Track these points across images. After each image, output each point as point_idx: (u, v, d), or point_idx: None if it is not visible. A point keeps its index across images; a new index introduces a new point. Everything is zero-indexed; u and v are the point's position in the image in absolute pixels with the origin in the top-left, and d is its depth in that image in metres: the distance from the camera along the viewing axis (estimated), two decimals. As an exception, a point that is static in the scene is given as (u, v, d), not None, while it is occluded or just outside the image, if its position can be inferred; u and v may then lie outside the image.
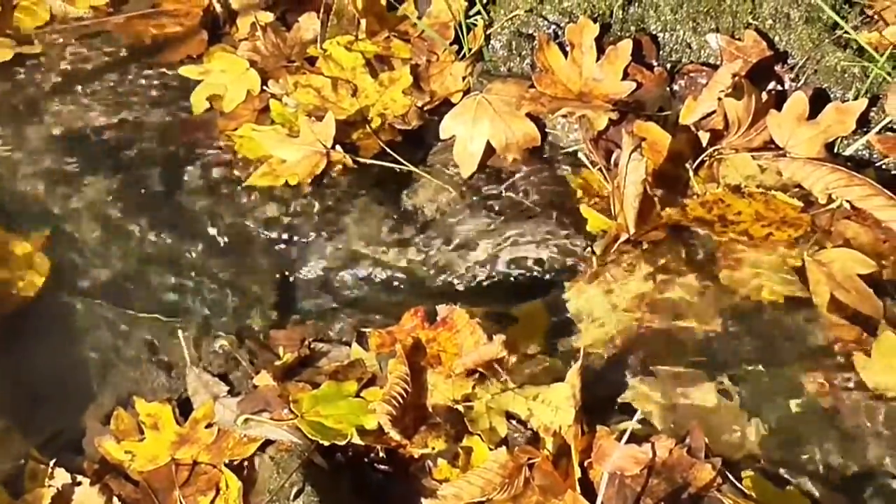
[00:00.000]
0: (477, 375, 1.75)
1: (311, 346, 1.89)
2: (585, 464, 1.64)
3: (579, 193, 2.05)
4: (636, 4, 2.20)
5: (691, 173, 2.01)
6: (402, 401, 1.70)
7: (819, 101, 2.05)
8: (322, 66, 2.31)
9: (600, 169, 2.04)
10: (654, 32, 2.21)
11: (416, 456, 1.71)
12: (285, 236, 2.09)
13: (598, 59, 2.17)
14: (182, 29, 2.45)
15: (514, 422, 1.71)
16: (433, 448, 1.69)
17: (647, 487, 1.60)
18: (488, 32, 2.27)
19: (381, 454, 1.73)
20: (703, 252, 1.93)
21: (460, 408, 1.72)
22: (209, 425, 1.79)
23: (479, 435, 1.69)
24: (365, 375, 1.80)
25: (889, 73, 2.03)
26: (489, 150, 2.14)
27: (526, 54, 2.24)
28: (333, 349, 1.88)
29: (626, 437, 1.60)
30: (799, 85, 2.11)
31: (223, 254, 2.07)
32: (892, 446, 1.68)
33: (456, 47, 2.31)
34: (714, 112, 2.05)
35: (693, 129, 2.06)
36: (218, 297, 2.02)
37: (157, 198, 2.16)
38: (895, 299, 1.83)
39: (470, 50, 2.29)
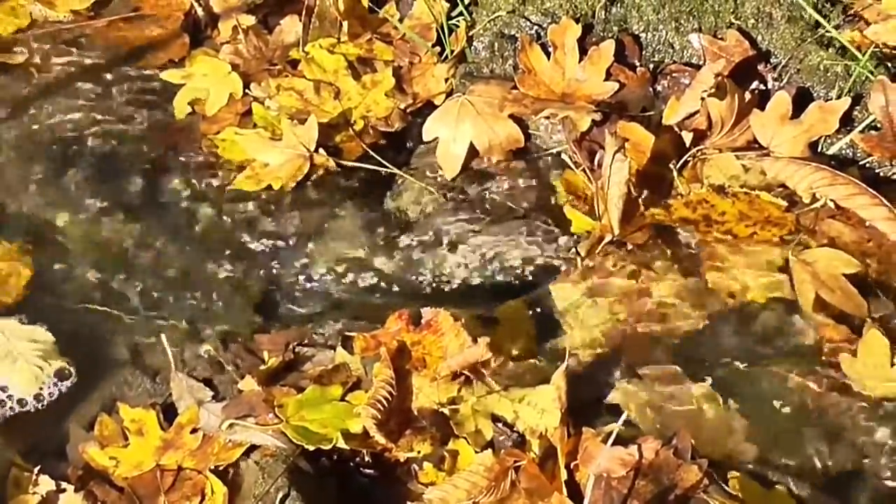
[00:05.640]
0: (462, 378, 1.74)
1: (296, 350, 1.88)
2: (572, 466, 1.63)
3: (563, 194, 2.05)
4: (618, 5, 2.20)
5: (675, 173, 2.01)
6: (387, 404, 1.69)
7: (802, 100, 2.05)
8: (304, 69, 2.30)
9: (584, 170, 2.04)
10: (636, 33, 2.21)
11: (401, 460, 1.71)
12: (269, 240, 2.08)
13: (580, 59, 2.17)
14: (163, 33, 2.44)
15: (499, 424, 1.71)
16: (419, 451, 1.69)
17: (634, 489, 1.60)
18: (470, 34, 2.27)
19: (366, 458, 1.72)
20: (688, 252, 1.93)
21: (446, 411, 1.72)
22: (194, 430, 1.78)
23: (465, 438, 1.69)
24: (350, 379, 1.80)
25: (872, 72, 2.04)
26: (472, 152, 2.14)
27: (508, 55, 2.24)
28: (318, 353, 1.87)
29: (612, 439, 1.60)
30: (782, 84, 2.11)
31: (206, 258, 2.06)
32: (878, 446, 1.69)
33: (438, 49, 2.30)
34: (697, 112, 2.05)
35: (676, 129, 2.06)
36: (202, 302, 2.01)
37: (139, 202, 2.15)
38: (880, 298, 1.83)
39: (452, 52, 2.28)
